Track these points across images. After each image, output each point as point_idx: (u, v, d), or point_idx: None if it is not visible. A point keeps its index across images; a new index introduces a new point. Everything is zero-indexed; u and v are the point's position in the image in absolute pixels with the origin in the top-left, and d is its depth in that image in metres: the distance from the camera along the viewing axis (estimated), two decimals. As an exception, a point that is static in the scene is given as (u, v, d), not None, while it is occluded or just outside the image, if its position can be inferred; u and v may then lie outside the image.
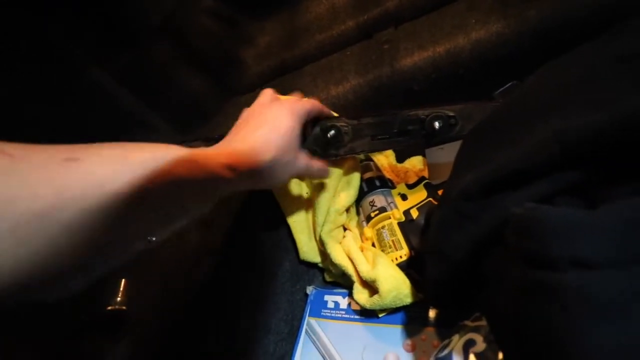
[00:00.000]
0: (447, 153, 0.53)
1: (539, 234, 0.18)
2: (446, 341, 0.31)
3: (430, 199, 0.47)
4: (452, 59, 0.45)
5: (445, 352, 0.30)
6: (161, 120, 0.59)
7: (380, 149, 0.44)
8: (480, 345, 0.28)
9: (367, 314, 0.46)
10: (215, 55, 0.65)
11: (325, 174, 0.43)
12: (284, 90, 0.57)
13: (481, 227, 0.26)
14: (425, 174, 0.53)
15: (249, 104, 0.38)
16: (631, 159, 0.21)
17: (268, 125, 0.33)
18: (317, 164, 0.41)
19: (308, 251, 0.54)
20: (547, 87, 0.34)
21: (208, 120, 0.62)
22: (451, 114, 0.39)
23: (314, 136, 0.43)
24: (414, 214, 0.46)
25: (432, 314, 0.42)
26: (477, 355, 0.27)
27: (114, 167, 0.22)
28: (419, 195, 0.49)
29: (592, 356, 0.16)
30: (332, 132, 0.42)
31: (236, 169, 0.29)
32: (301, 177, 0.43)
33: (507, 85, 0.41)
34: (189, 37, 0.62)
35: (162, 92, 0.63)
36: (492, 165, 0.26)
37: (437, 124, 0.39)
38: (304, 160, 0.38)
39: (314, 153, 0.43)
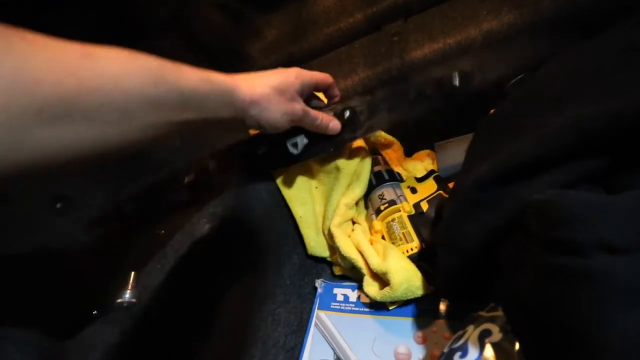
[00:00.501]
0: (457, 146, 0.52)
1: (563, 219, 0.18)
2: (460, 332, 0.31)
3: (441, 191, 0.46)
4: (463, 50, 0.45)
5: (461, 342, 0.30)
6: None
7: (401, 122, 0.41)
8: (497, 336, 0.28)
9: (376, 307, 0.46)
10: (223, 49, 0.64)
11: (333, 127, 0.42)
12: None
13: (496, 216, 0.26)
14: (434, 167, 0.53)
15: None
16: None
17: (272, 72, 0.38)
18: (322, 115, 0.41)
19: (315, 246, 0.54)
20: (560, 77, 0.34)
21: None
22: (467, 67, 0.37)
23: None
24: (424, 206, 0.46)
25: (442, 306, 0.42)
26: (493, 345, 0.27)
27: (125, 67, 0.23)
28: (429, 188, 0.48)
29: (619, 342, 0.16)
30: (347, 113, 0.41)
31: (235, 91, 0.33)
32: (305, 124, 0.40)
33: (518, 77, 0.41)
34: (196, 31, 0.62)
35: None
36: (506, 155, 0.26)
37: (455, 81, 0.36)
38: (299, 106, 0.39)
39: (330, 140, 0.43)
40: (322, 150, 0.46)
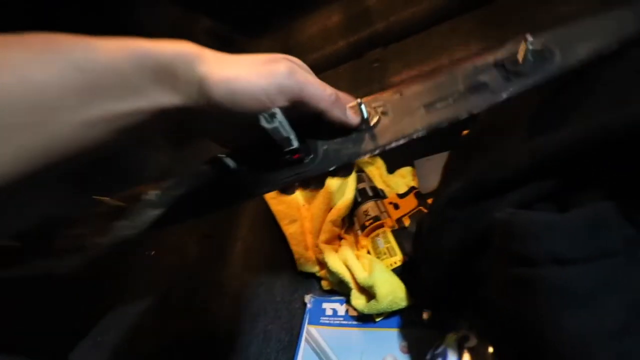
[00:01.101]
0: (435, 163, 0.56)
1: (519, 235, 0.21)
2: (441, 339, 0.34)
3: (421, 207, 0.49)
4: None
5: (441, 349, 0.32)
6: (158, 136, 0.61)
7: (446, 120, 0.26)
8: (473, 341, 0.30)
9: (364, 319, 0.48)
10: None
11: (352, 116, 0.26)
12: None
13: (469, 231, 0.29)
14: (415, 183, 0.56)
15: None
16: (599, 169, 0.24)
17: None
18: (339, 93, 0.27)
19: (304, 263, 0.56)
20: (523, 103, 0.38)
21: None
22: (538, 45, 0.26)
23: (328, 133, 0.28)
24: (406, 222, 0.49)
25: (426, 316, 0.44)
26: (470, 350, 0.30)
27: (36, 54, 0.19)
28: (410, 203, 0.51)
29: (567, 340, 0.19)
30: (366, 115, 0.27)
31: (189, 62, 0.22)
32: (307, 100, 0.24)
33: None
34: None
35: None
36: (475, 176, 0.29)
37: (524, 57, 0.25)
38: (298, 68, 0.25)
39: (332, 158, 0.27)
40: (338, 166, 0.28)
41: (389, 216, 0.51)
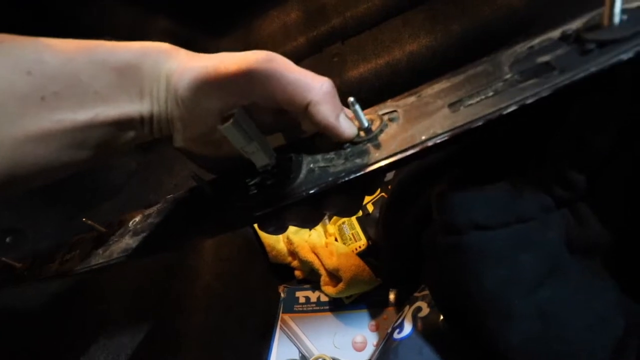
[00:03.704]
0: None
1: (447, 207, 0.23)
2: (400, 313, 0.36)
3: (383, 193, 0.52)
4: (391, 69, 0.51)
5: (399, 321, 0.34)
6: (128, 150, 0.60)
7: (475, 121, 0.18)
8: (425, 311, 0.33)
9: (335, 304, 0.50)
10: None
11: (348, 128, 0.20)
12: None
13: (416, 208, 0.32)
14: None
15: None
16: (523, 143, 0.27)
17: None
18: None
19: (277, 255, 0.57)
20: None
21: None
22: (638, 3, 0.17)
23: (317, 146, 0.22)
24: (370, 208, 0.52)
25: (392, 295, 0.47)
26: (422, 319, 0.32)
27: None
28: (374, 191, 0.54)
29: (488, 296, 0.21)
30: (366, 123, 0.20)
31: (150, 63, 0.19)
32: (289, 101, 0.19)
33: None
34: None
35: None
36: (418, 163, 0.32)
37: (617, 18, 0.17)
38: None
39: (316, 177, 0.20)
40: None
41: (354, 204, 0.53)
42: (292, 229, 0.54)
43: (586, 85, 0.17)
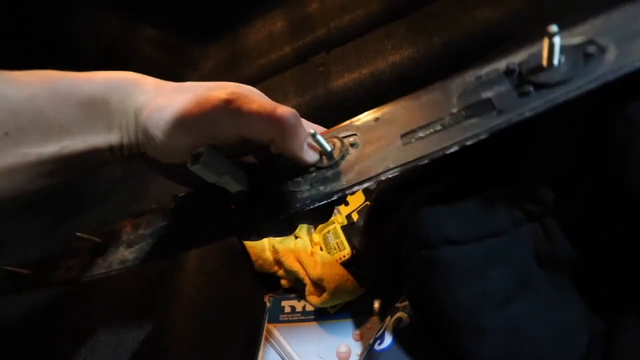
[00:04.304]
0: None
1: (421, 222, 0.24)
2: (382, 324, 0.36)
3: (368, 202, 0.52)
4: (375, 79, 0.52)
5: (380, 332, 0.35)
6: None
7: (428, 155, 0.19)
8: (406, 322, 0.33)
9: (320, 313, 0.50)
10: (160, 79, 0.67)
11: (310, 151, 0.21)
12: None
13: (397, 218, 0.32)
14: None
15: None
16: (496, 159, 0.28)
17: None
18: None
19: (262, 264, 0.57)
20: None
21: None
22: (580, 38, 0.19)
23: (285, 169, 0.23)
24: (355, 217, 0.52)
25: (376, 304, 0.48)
26: (403, 330, 0.33)
27: None
28: (359, 199, 0.54)
29: (459, 310, 0.22)
30: (328, 148, 0.21)
31: (118, 95, 0.19)
32: (251, 128, 0.20)
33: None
34: (132, 65, 0.63)
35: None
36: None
37: (555, 61, 0.18)
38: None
39: (285, 202, 0.22)
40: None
41: (339, 213, 0.54)
42: (277, 238, 0.54)
43: (528, 123, 0.18)
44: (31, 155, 0.17)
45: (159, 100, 0.19)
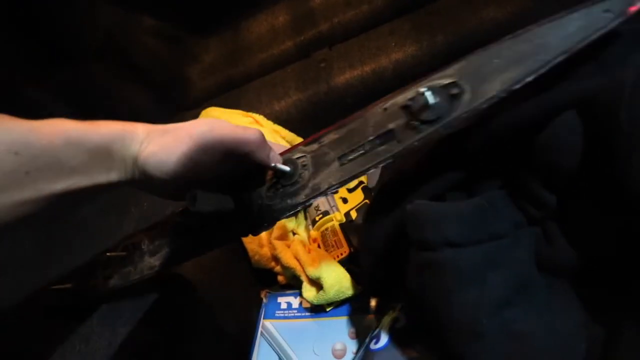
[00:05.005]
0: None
1: (420, 223, 0.23)
2: (378, 323, 0.36)
3: (367, 200, 0.52)
4: (377, 77, 0.51)
5: (377, 331, 0.35)
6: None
7: (356, 175, 0.27)
8: (402, 322, 0.33)
9: (316, 310, 0.50)
10: (160, 71, 0.66)
11: (274, 155, 0.29)
12: (229, 105, 0.60)
13: (391, 221, 0.32)
14: (364, 179, 0.59)
15: (195, 119, 0.40)
16: (498, 161, 0.27)
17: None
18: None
19: (260, 260, 0.57)
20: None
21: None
22: (448, 80, 0.24)
23: (261, 186, 0.30)
24: (353, 215, 0.52)
25: (373, 303, 0.47)
26: (399, 330, 0.33)
27: None
28: (358, 197, 0.54)
29: (457, 313, 0.22)
30: (287, 169, 0.28)
31: (120, 144, 0.24)
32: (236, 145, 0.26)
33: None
34: (131, 56, 0.63)
35: (104, 110, 0.63)
36: (396, 171, 0.32)
37: (430, 99, 0.23)
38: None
39: (265, 214, 0.30)
40: (251, 227, 0.31)
41: (338, 210, 0.53)
42: (275, 234, 0.54)
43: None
44: (45, 190, 0.22)
45: (151, 147, 0.24)
